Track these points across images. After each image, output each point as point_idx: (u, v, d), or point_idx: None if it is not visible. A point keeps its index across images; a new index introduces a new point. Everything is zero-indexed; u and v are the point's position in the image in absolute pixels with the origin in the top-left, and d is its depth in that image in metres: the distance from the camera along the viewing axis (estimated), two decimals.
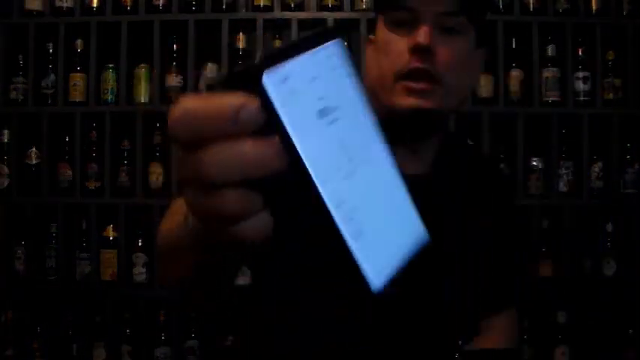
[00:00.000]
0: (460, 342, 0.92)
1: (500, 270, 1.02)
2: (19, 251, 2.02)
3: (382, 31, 0.86)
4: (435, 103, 0.82)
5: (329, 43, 0.35)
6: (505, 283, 1.04)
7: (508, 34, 2.02)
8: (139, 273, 1.98)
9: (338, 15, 2.00)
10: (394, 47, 0.82)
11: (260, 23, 2.00)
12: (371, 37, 0.93)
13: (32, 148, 2.05)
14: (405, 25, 0.82)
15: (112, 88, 2.03)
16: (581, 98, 2.01)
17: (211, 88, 0.48)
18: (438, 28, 0.81)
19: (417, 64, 0.80)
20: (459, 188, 0.96)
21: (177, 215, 0.56)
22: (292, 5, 2.02)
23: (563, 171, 1.99)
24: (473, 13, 0.85)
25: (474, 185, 0.99)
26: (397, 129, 0.77)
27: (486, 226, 0.97)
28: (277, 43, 2.02)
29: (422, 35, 0.78)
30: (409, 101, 0.81)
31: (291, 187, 0.33)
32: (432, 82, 0.81)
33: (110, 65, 2.03)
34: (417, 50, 0.79)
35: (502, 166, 1.99)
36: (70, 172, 2.02)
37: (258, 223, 0.34)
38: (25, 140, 2.06)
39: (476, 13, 0.86)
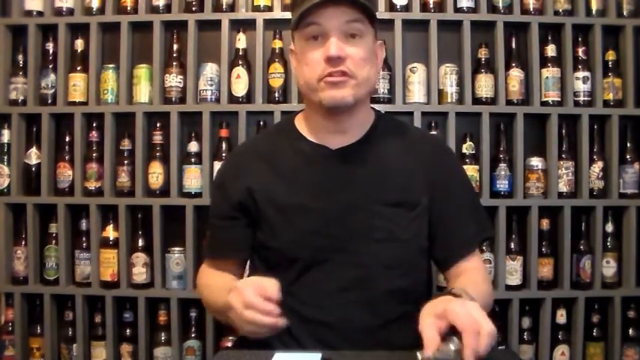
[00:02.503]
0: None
1: (458, 217, 1.16)
2: (19, 251, 2.02)
3: (300, 45, 1.08)
4: (349, 92, 1.06)
5: None
6: (464, 230, 1.17)
7: (508, 34, 2.02)
8: (139, 273, 1.98)
9: None
10: (312, 58, 1.05)
11: (260, 23, 2.01)
12: (291, 48, 1.15)
13: (32, 148, 2.05)
14: (317, 37, 1.04)
15: (112, 88, 2.02)
16: (581, 98, 2.01)
17: None
18: (344, 35, 1.04)
19: (331, 70, 1.04)
20: (396, 149, 1.15)
21: (220, 295, 1.02)
22: None
23: (563, 171, 1.99)
24: (370, 16, 1.06)
25: (410, 145, 1.17)
26: (328, 113, 1.10)
27: (429, 178, 1.14)
28: (277, 43, 2.02)
29: (332, 48, 1.02)
30: (331, 94, 1.05)
31: None
32: (345, 76, 1.04)
33: (110, 65, 2.03)
34: (330, 60, 1.03)
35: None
36: (70, 172, 2.02)
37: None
38: (25, 140, 2.06)
39: (372, 15, 1.06)
